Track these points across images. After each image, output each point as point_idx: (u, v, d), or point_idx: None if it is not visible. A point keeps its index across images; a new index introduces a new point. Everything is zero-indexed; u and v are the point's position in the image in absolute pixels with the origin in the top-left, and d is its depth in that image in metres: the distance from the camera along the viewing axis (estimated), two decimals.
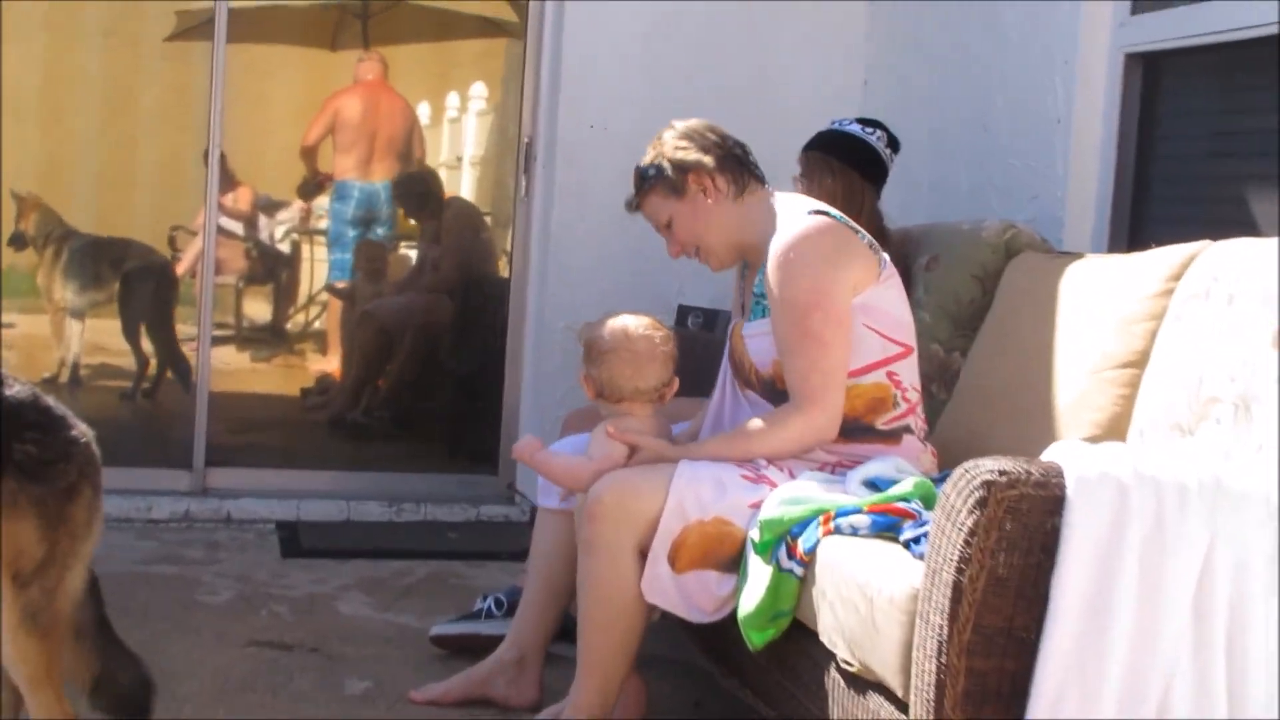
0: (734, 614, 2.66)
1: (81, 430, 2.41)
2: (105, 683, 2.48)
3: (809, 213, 2.91)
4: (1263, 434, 2.30)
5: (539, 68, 4.95)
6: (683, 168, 2.98)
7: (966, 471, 2.07)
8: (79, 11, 6.23)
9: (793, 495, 2.65)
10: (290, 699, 3.14)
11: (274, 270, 7.17)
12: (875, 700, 2.30)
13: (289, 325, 7.30)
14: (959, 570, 2.03)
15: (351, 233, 6.63)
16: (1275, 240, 2.52)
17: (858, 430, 2.87)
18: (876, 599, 2.25)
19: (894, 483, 2.66)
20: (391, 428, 6.09)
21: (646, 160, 3.03)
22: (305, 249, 7.20)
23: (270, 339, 7.16)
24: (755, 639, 2.60)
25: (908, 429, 2.91)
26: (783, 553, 2.56)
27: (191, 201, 5.70)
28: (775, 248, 2.87)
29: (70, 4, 6.12)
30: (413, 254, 6.79)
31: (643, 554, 2.74)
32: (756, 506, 2.68)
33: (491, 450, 5.19)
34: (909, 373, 2.92)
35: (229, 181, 6.24)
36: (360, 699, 3.17)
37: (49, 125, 6.10)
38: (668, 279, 4.53)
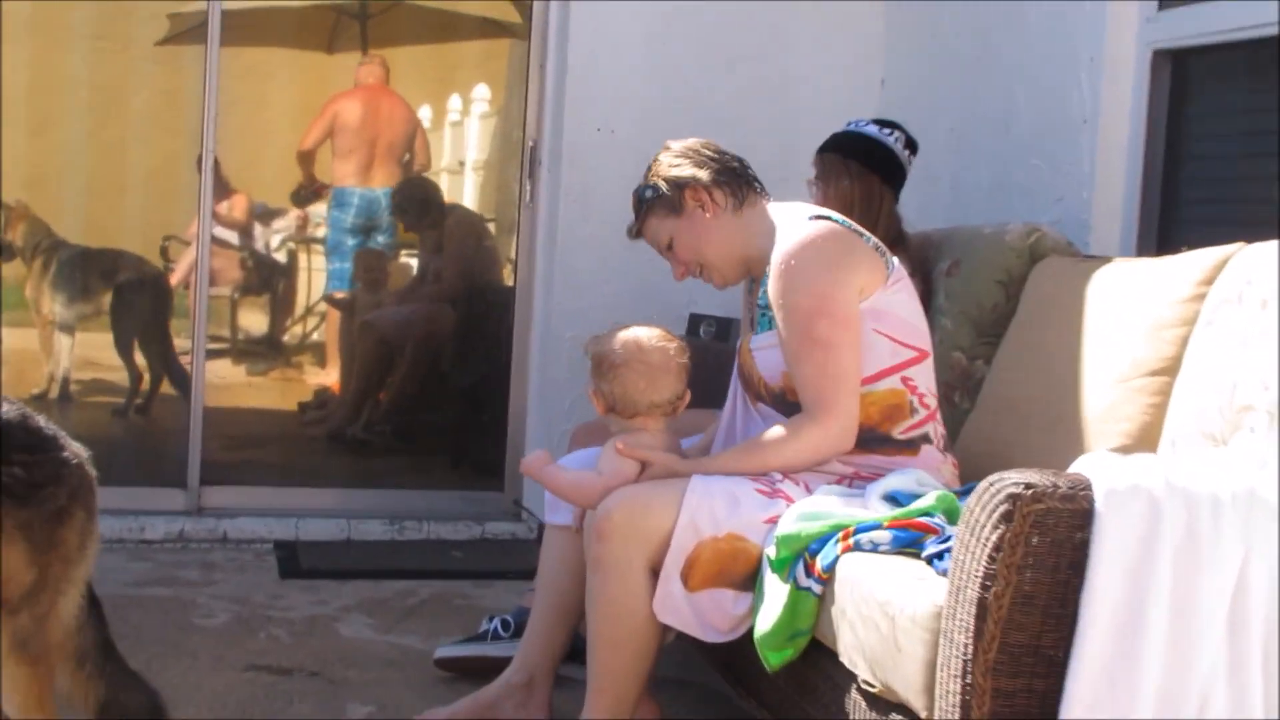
0: (750, 634, 2.66)
1: (74, 451, 2.41)
2: (111, 708, 2.48)
3: (810, 218, 2.93)
4: None
5: (543, 69, 4.96)
6: (678, 184, 3.01)
7: (991, 485, 2.07)
8: (67, 13, 6.25)
9: (810, 510, 2.65)
10: None
11: (270, 281, 7.18)
12: None
13: (286, 337, 7.31)
14: (984, 587, 2.03)
15: (351, 241, 6.64)
16: None
17: (874, 440, 2.87)
18: (898, 617, 2.25)
19: (915, 497, 2.66)
20: (393, 442, 6.09)
21: (643, 183, 3.08)
22: (303, 258, 7.21)
23: (267, 352, 7.16)
24: (772, 659, 2.60)
25: (926, 438, 2.91)
26: (800, 570, 2.57)
27: (185, 210, 5.71)
28: (776, 256, 2.89)
29: (58, 5, 6.14)
30: (414, 262, 6.80)
31: (654, 572, 2.74)
32: (772, 522, 2.68)
33: (497, 465, 5.19)
34: (925, 378, 2.93)
35: (223, 189, 6.25)
36: None
37: (37, 132, 6.12)
38: (678, 286, 4.50)
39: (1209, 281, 2.73)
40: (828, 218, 2.94)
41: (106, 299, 6.17)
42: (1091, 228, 3.77)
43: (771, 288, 2.89)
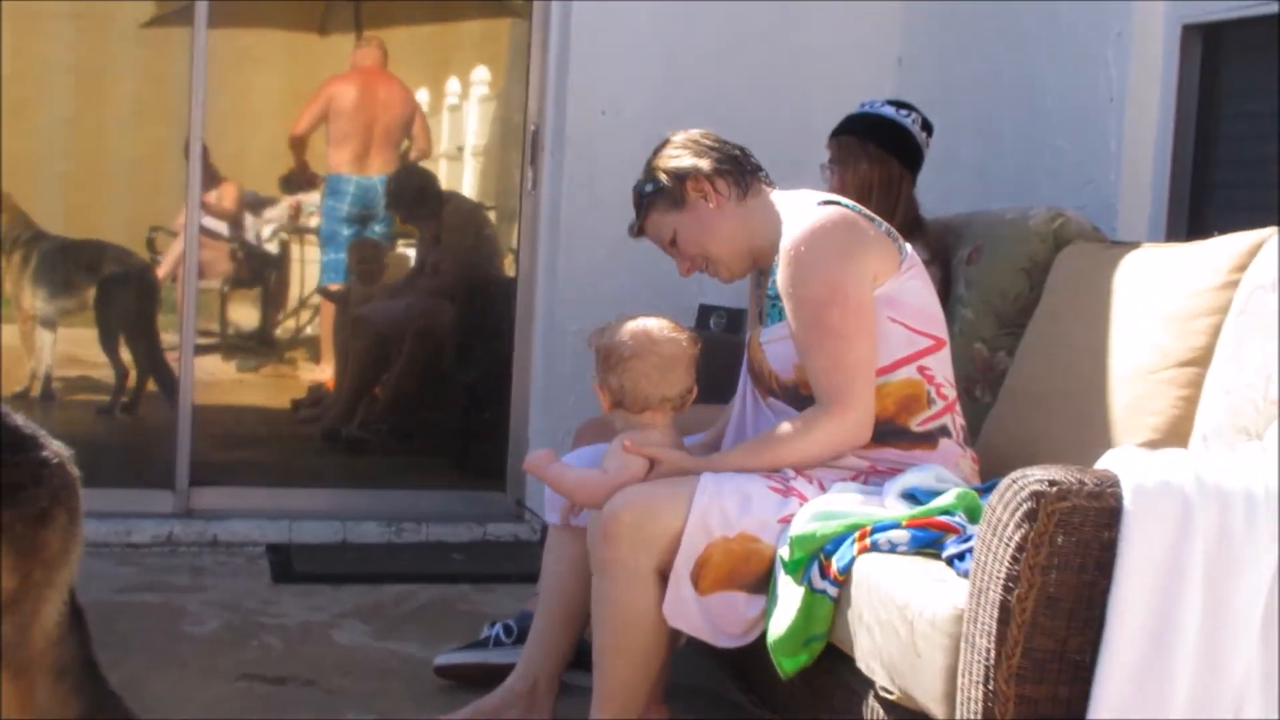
0: (763, 638, 2.66)
1: (54, 450, 2.41)
2: None
3: (818, 204, 2.93)
4: None
5: (545, 49, 4.96)
6: (679, 175, 3.03)
7: (1014, 482, 2.07)
8: None
9: (825, 510, 2.65)
10: None
11: (262, 273, 7.19)
12: None
13: (278, 332, 7.31)
14: (1007, 589, 2.03)
15: (346, 231, 6.64)
16: None
17: (890, 433, 2.88)
18: (917, 621, 2.25)
19: (935, 494, 2.66)
20: (390, 441, 6.09)
21: (642, 179, 3.09)
22: (295, 249, 7.21)
23: (258, 347, 7.17)
24: (786, 665, 2.60)
25: (945, 430, 2.91)
26: (815, 572, 2.57)
27: (172, 200, 5.71)
28: (785, 244, 2.90)
29: None
30: (411, 253, 6.80)
31: (663, 575, 2.75)
32: (786, 521, 2.69)
33: (498, 464, 5.20)
34: (942, 367, 2.93)
35: (212, 177, 6.26)
36: None
37: (15, 117, 6.11)
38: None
39: (1242, 268, 2.72)
40: (837, 203, 2.94)
41: (90, 293, 6.18)
42: (1119, 212, 3.76)
43: (781, 277, 2.89)
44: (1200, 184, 3.71)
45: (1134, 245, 3.19)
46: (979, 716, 2.07)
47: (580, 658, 3.17)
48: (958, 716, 2.13)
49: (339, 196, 6.64)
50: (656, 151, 3.12)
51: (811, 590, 2.56)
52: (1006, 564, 2.03)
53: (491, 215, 6.68)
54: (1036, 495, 2.02)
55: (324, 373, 6.74)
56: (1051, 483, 2.03)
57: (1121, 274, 3.05)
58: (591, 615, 2.88)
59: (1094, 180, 3.86)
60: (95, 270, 6.19)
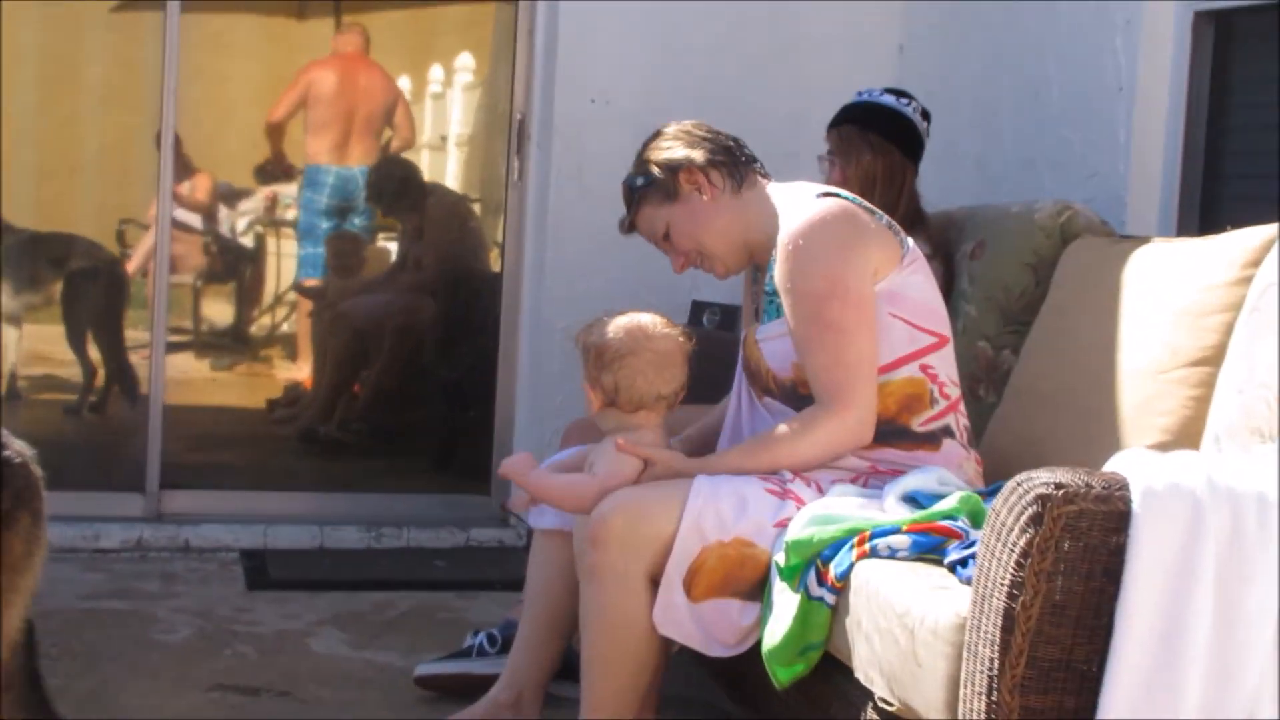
0: (758, 647, 2.66)
1: (16, 450, 2.39)
2: None
3: (817, 196, 2.93)
4: None
5: (531, 35, 4.95)
6: (672, 168, 3.03)
7: (1019, 485, 2.07)
8: None
9: (823, 514, 2.65)
10: None
11: (236, 267, 7.18)
12: None
13: (253, 329, 7.31)
14: (1011, 596, 2.03)
15: (324, 224, 6.63)
16: None
17: (892, 433, 2.88)
18: (918, 629, 2.25)
19: (936, 498, 2.66)
20: (369, 443, 6.09)
21: (633, 172, 3.10)
22: (272, 243, 7.20)
23: (232, 345, 7.16)
24: (782, 675, 2.60)
25: (948, 431, 2.92)
26: (812, 578, 2.57)
27: (143, 191, 5.71)
28: (783, 238, 2.91)
29: None
30: (392, 247, 6.79)
31: (654, 581, 2.74)
32: (782, 525, 2.69)
33: (482, 467, 5.19)
34: (945, 365, 2.94)
35: (185, 168, 6.24)
36: None
37: None
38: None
39: (1255, 264, 2.73)
40: (836, 195, 2.94)
41: (57, 288, 6.16)
42: (1127, 205, 3.77)
43: (778, 271, 2.89)
44: (1212, 176, 3.71)
45: (1143, 239, 3.19)
46: None
47: (567, 668, 3.17)
48: None
49: (317, 188, 6.62)
50: (647, 143, 3.12)
51: (808, 597, 2.56)
52: (1011, 570, 2.03)
53: (476, 208, 6.68)
54: (1042, 499, 2.02)
55: (301, 371, 6.74)
56: (1058, 486, 2.03)
57: (1130, 269, 3.06)
58: (579, 623, 2.88)
59: (1101, 172, 3.86)
60: (62, 264, 6.17)
